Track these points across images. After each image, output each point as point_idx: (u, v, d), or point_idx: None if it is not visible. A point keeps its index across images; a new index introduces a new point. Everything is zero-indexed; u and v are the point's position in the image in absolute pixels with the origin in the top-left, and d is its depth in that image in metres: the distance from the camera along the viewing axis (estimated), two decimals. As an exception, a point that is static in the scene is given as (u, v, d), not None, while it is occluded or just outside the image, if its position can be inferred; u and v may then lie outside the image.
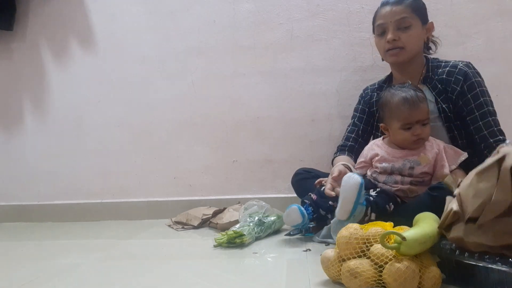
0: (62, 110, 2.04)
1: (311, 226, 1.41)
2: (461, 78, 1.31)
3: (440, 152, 1.26)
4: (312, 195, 1.33)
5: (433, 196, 1.13)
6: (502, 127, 1.34)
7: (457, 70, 1.33)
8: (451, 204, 0.92)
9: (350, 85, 1.81)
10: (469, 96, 1.30)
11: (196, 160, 1.94)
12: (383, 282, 0.85)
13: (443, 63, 1.39)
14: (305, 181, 1.51)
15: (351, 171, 1.32)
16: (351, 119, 1.60)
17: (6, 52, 2.07)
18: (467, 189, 0.87)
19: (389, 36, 1.33)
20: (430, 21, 1.40)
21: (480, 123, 1.28)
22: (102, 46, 2.00)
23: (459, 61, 1.38)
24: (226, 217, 1.60)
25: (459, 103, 1.32)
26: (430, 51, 1.48)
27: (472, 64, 1.36)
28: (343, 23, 1.81)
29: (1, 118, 2.10)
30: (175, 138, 1.96)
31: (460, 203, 0.87)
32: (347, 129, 1.59)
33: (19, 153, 2.08)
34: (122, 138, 2.00)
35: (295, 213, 1.28)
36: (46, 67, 2.05)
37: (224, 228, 1.51)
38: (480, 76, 1.34)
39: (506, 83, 1.68)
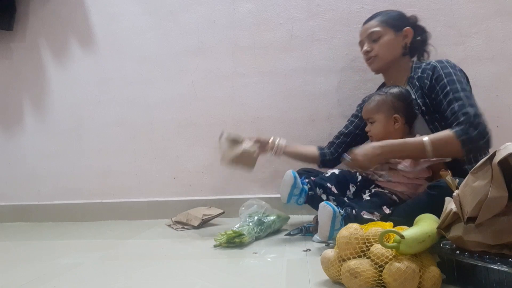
0: (62, 110, 2.05)
1: (311, 226, 1.42)
2: (430, 72, 1.35)
3: None
4: (312, 178, 1.38)
5: (432, 195, 1.13)
6: (502, 126, 1.34)
7: (429, 66, 1.36)
8: (450, 205, 0.92)
9: (350, 85, 1.81)
10: (437, 88, 1.32)
11: (196, 160, 1.95)
12: (383, 282, 0.85)
13: (424, 63, 1.42)
14: (305, 181, 1.51)
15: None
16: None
17: (6, 52, 2.08)
18: (463, 189, 0.87)
19: (363, 48, 1.50)
20: (406, 27, 1.45)
21: (447, 111, 1.27)
22: (102, 46, 2.01)
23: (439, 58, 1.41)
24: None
25: (431, 97, 1.34)
26: (422, 59, 1.52)
27: (447, 60, 1.36)
28: (343, 23, 1.81)
29: (1, 118, 2.10)
30: (175, 138, 1.96)
31: (459, 204, 0.87)
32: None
33: (19, 153, 2.09)
34: (122, 138, 2.00)
35: (288, 175, 1.32)
36: (46, 67, 2.05)
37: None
38: (454, 68, 1.33)
39: (506, 83, 1.68)
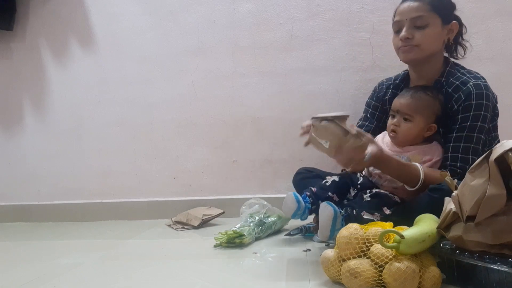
0: (62, 110, 2.04)
1: (311, 226, 1.42)
2: (463, 98, 1.22)
3: (432, 161, 1.24)
4: (312, 188, 1.33)
5: (434, 198, 1.12)
6: (502, 126, 1.34)
7: (464, 88, 1.23)
8: (450, 205, 0.93)
9: (350, 85, 1.81)
10: (459, 116, 1.22)
11: (196, 160, 1.95)
12: (383, 282, 0.85)
13: (459, 74, 1.28)
14: (306, 181, 1.50)
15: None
16: (363, 113, 1.55)
17: (6, 52, 2.07)
18: (462, 189, 0.87)
19: (402, 33, 1.26)
20: (453, 21, 1.29)
21: (451, 144, 1.23)
22: (102, 46, 2.00)
23: (476, 76, 1.27)
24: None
25: (449, 117, 1.26)
26: (458, 55, 1.40)
27: (485, 84, 1.24)
28: (343, 23, 1.80)
29: (1, 118, 2.10)
30: (175, 138, 1.96)
31: (458, 204, 0.87)
32: (357, 123, 1.53)
33: (19, 153, 2.08)
34: (122, 138, 2.00)
35: (290, 199, 1.27)
36: (46, 67, 2.05)
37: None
38: (488, 99, 1.22)
39: (506, 83, 1.68)
